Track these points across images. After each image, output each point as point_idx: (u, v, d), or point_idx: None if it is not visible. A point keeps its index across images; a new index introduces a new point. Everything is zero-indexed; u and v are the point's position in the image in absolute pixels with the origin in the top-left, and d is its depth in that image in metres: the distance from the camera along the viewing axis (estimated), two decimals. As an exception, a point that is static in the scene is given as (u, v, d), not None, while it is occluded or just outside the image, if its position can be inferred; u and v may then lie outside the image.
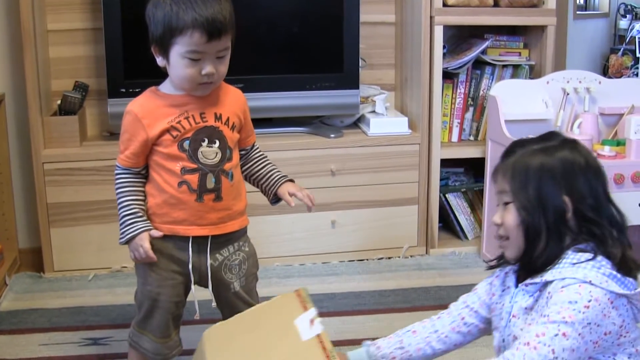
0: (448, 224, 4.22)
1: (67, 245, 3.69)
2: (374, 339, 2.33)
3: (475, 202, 4.24)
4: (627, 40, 4.52)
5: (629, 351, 1.86)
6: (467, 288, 3.60)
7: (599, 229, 1.88)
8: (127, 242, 2.39)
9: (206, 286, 2.52)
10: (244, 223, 2.59)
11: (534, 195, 1.89)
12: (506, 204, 1.95)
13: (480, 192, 4.11)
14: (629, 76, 4.30)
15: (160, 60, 2.38)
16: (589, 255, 1.85)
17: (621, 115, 3.83)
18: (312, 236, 3.88)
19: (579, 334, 1.77)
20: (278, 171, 2.68)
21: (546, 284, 1.87)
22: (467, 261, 3.94)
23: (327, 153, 3.84)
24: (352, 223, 3.91)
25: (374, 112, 4.06)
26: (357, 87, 3.91)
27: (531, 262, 1.92)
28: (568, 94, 3.83)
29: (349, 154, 3.87)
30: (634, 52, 4.43)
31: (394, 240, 3.99)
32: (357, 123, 4.13)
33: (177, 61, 2.32)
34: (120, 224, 2.40)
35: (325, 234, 3.90)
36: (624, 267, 1.85)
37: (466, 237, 4.16)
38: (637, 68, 4.33)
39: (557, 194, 1.88)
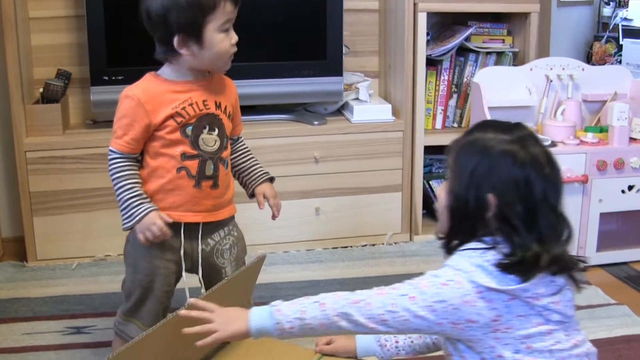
0: (432, 210, 4.22)
1: (50, 234, 3.68)
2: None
3: (459, 189, 4.24)
4: (611, 27, 4.52)
5: (515, 347, 1.83)
6: (451, 275, 3.62)
7: (518, 238, 1.81)
8: (136, 223, 2.36)
9: (197, 273, 2.52)
10: (233, 211, 2.61)
11: (464, 184, 1.86)
12: (447, 179, 1.96)
13: (464, 179, 4.10)
14: (612, 63, 4.30)
15: (185, 50, 2.34)
16: (479, 251, 1.82)
17: (604, 102, 3.85)
18: (296, 224, 3.88)
19: (429, 305, 1.78)
20: (260, 167, 2.69)
21: None
22: (451, 248, 3.94)
23: (311, 140, 3.83)
24: (335, 210, 3.91)
25: (357, 99, 4.06)
26: (341, 75, 3.91)
27: (448, 242, 1.93)
28: (551, 81, 3.84)
29: (332, 141, 3.86)
30: (617, 39, 4.43)
31: (377, 227, 3.99)
32: (341, 110, 4.13)
33: (213, 38, 2.32)
34: (124, 208, 2.37)
35: (309, 221, 3.89)
36: (519, 269, 1.79)
37: (450, 224, 4.16)
38: (621, 55, 4.33)
39: (483, 191, 1.83)
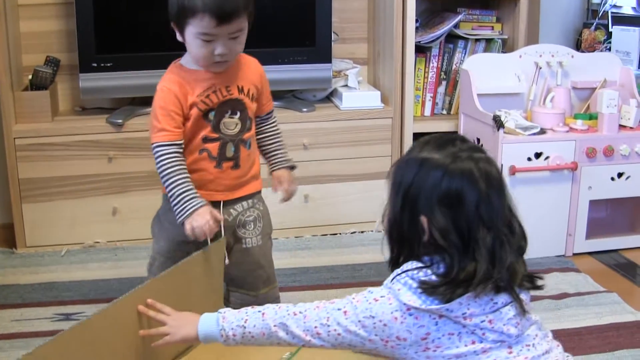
0: (421, 197, 4.23)
1: (39, 221, 3.67)
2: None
3: (448, 176, 4.24)
4: (600, 14, 4.52)
5: None
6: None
7: (452, 260, 1.77)
8: (187, 217, 2.39)
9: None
10: (258, 187, 2.71)
11: (398, 211, 1.84)
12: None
13: (453, 166, 4.10)
14: (601, 50, 4.30)
15: (178, 36, 2.43)
16: (414, 267, 1.81)
17: (593, 89, 3.85)
18: (285, 211, 3.85)
19: (359, 321, 1.81)
20: (283, 153, 2.77)
21: None
22: (440, 235, 3.95)
23: (300, 127, 3.83)
24: (324, 197, 3.91)
25: (346, 86, 4.05)
26: (330, 61, 3.90)
27: (391, 262, 1.93)
28: (541, 68, 3.84)
29: (321, 128, 3.86)
30: (606, 26, 4.44)
31: (366, 214, 3.98)
32: (330, 97, 4.13)
33: (191, 40, 2.38)
34: (178, 201, 2.40)
35: (298, 208, 3.89)
36: (442, 290, 1.75)
37: (439, 211, 4.16)
38: (610, 42, 4.34)
39: (415, 213, 1.81)
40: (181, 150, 2.45)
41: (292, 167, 2.77)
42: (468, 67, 3.81)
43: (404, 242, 1.87)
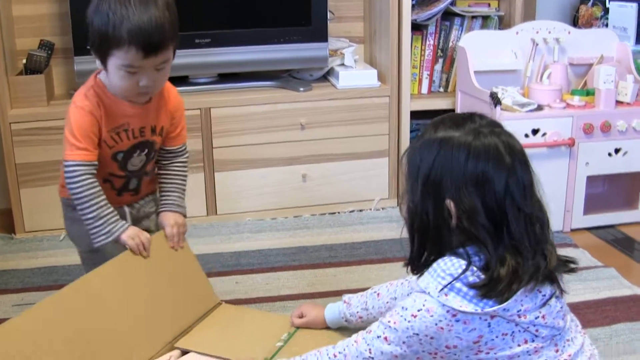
0: (419, 176, 4.23)
1: (37, 206, 3.66)
2: (347, 292, 2.36)
3: (445, 154, 4.24)
4: (597, -11, 4.51)
5: None
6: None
7: (487, 250, 1.71)
8: (119, 235, 2.34)
9: None
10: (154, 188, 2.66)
11: (418, 197, 1.76)
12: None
13: (451, 144, 4.10)
14: (598, 26, 4.29)
15: (98, 64, 2.30)
16: (457, 266, 1.72)
17: (590, 65, 3.85)
18: (283, 190, 3.88)
19: (403, 342, 1.75)
20: (178, 197, 2.60)
21: None
22: (439, 213, 3.95)
23: (297, 107, 3.82)
24: (322, 176, 3.91)
25: (343, 65, 4.04)
26: (326, 40, 3.89)
27: (412, 257, 1.85)
28: (537, 45, 3.84)
29: (318, 107, 3.86)
30: (603, 2, 4.42)
31: (365, 192, 3.99)
32: (326, 76, 4.12)
33: (113, 72, 2.26)
34: (103, 222, 2.32)
35: (296, 187, 3.89)
36: (495, 290, 1.68)
37: (437, 189, 4.17)
38: (607, 19, 4.32)
39: (441, 197, 1.72)
40: (96, 171, 2.34)
41: (182, 214, 2.60)
42: (464, 44, 3.80)
43: (429, 233, 1.77)
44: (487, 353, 1.74)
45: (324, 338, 2.30)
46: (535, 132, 3.48)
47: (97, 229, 2.32)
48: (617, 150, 3.61)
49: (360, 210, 3.98)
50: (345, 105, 3.88)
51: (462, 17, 4.11)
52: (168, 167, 2.59)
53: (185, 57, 3.63)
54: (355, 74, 3.96)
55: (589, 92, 3.67)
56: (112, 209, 2.35)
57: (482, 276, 1.69)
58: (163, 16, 2.22)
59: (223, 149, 3.73)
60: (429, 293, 1.71)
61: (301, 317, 2.37)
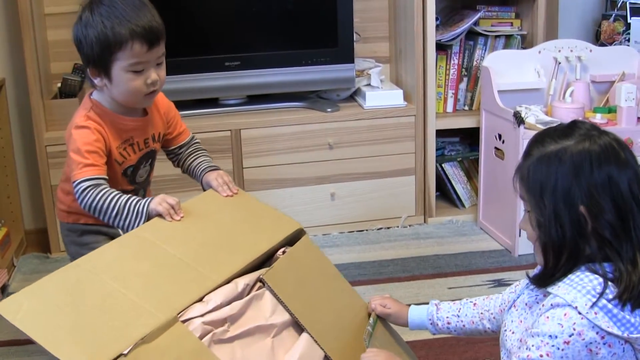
0: (445, 193, 4.29)
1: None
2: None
3: (471, 171, 4.30)
4: (619, 5, 4.54)
5: None
6: (465, 255, 3.70)
7: (613, 252, 1.70)
8: (147, 209, 2.23)
9: None
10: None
11: (549, 211, 1.74)
12: (528, 211, 1.83)
13: (476, 161, 4.17)
14: (620, 42, 4.33)
15: (99, 81, 2.31)
16: (595, 283, 1.69)
17: (612, 82, 3.88)
18: (312, 208, 3.94)
19: None
20: (209, 161, 2.60)
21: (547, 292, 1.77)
22: (465, 229, 4.02)
23: (324, 127, 3.89)
24: (351, 195, 3.97)
25: (369, 85, 4.10)
26: (352, 62, 3.97)
27: (546, 272, 1.80)
28: (560, 63, 3.88)
29: (345, 127, 3.93)
30: (625, 17, 4.46)
31: (392, 210, 4.05)
32: (353, 96, 4.18)
33: (120, 76, 2.26)
34: (127, 212, 2.23)
35: (324, 206, 3.96)
36: (632, 294, 1.66)
37: (463, 205, 4.23)
38: (629, 34, 4.36)
39: (574, 206, 1.71)
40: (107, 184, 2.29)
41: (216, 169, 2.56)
42: (488, 64, 3.86)
43: (565, 244, 1.74)
44: None
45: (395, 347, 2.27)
46: (558, 149, 3.52)
47: (128, 218, 2.23)
48: (640, 167, 3.64)
49: (388, 228, 4.04)
50: (372, 124, 3.95)
51: (486, 36, 4.17)
52: (187, 153, 2.61)
53: (215, 80, 3.73)
54: (381, 94, 4.03)
55: (610, 110, 3.71)
56: (127, 194, 2.27)
57: (617, 289, 1.68)
58: (151, 8, 2.29)
59: (253, 169, 3.81)
60: (576, 308, 1.67)
61: (384, 306, 2.29)
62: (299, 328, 2.03)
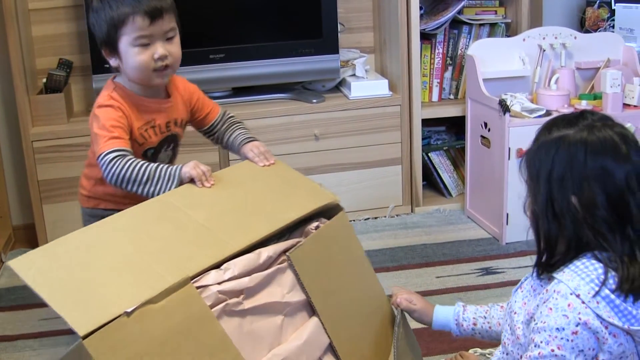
0: (432, 182, 4.30)
1: (60, 221, 3.74)
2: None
3: (457, 160, 4.31)
4: (603, -9, 4.55)
5: None
6: (452, 244, 3.72)
7: (606, 243, 1.71)
8: (179, 172, 2.22)
9: None
10: None
11: (542, 200, 1.77)
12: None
13: (462, 150, 4.18)
14: (605, 28, 4.34)
15: (113, 61, 2.40)
16: (600, 272, 1.70)
17: (597, 69, 3.90)
18: (300, 200, 3.94)
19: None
20: (245, 132, 2.61)
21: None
22: (452, 218, 4.03)
23: (310, 118, 3.90)
24: (337, 185, 3.96)
25: (354, 75, 4.11)
26: (337, 52, 3.97)
27: (547, 259, 1.81)
28: (544, 50, 3.90)
29: (331, 117, 3.94)
30: (609, 4, 4.47)
31: (379, 200, 4.06)
32: (339, 87, 4.19)
33: (128, 52, 2.33)
34: (158, 177, 2.22)
35: (312, 197, 3.96)
36: (631, 285, 1.68)
37: (450, 195, 4.24)
38: (613, 20, 4.37)
39: (566, 195, 1.73)
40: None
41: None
42: (473, 52, 3.87)
43: (555, 232, 1.77)
44: None
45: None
46: (544, 137, 3.54)
47: (160, 183, 2.23)
48: (625, 153, 3.65)
49: (375, 218, 4.05)
50: (357, 115, 3.95)
51: (470, 25, 4.18)
52: (224, 129, 2.63)
53: (200, 73, 3.72)
54: (366, 84, 4.04)
55: (596, 96, 3.72)
56: (156, 163, 2.28)
57: (617, 279, 1.69)
58: None
59: (239, 162, 3.81)
60: (579, 296, 1.68)
61: (410, 301, 2.26)
62: (312, 310, 2.03)
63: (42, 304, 3.24)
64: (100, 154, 2.27)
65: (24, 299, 3.33)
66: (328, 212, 2.27)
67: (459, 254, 3.61)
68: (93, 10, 2.39)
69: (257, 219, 2.10)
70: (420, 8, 3.98)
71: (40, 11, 3.90)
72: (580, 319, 1.66)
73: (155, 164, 2.26)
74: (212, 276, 1.84)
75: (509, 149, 3.53)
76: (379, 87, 4.03)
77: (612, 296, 1.66)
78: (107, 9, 2.32)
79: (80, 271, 1.77)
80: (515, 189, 3.53)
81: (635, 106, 3.67)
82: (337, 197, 2.29)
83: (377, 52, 4.36)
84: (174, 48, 2.40)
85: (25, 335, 3.05)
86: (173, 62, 2.39)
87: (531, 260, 1.88)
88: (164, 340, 1.70)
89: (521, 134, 3.52)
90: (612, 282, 1.68)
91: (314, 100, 3.95)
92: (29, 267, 1.75)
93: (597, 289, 1.67)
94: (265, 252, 1.98)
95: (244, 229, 2.04)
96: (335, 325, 2.04)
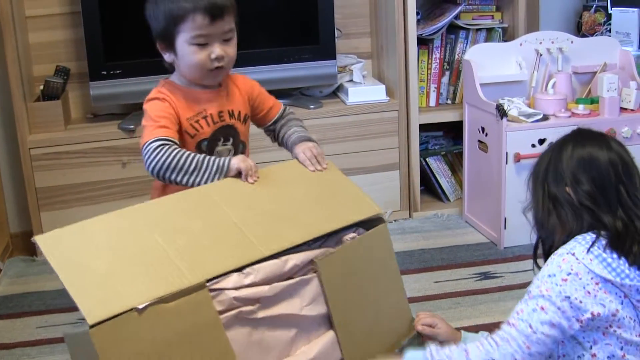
0: (429, 187, 4.30)
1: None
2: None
3: (455, 164, 4.31)
4: (599, -4, 4.56)
5: (611, 350, 1.84)
6: (450, 249, 3.71)
7: (595, 219, 1.89)
8: (229, 165, 2.22)
9: None
10: None
11: (541, 196, 1.97)
12: None
13: (460, 154, 4.17)
14: (601, 33, 4.34)
15: (167, 56, 2.37)
16: (592, 237, 1.86)
17: (594, 73, 3.90)
18: (298, 206, 3.94)
19: (558, 308, 1.79)
20: (300, 131, 2.59)
21: None
22: (450, 223, 4.03)
23: (308, 124, 3.81)
24: (335, 191, 3.97)
25: (351, 81, 4.12)
26: (334, 58, 3.97)
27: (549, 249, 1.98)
28: (541, 55, 3.90)
29: (329, 123, 3.94)
30: (606, 8, 4.48)
31: (377, 205, 4.05)
32: (336, 92, 4.19)
33: (184, 50, 2.30)
34: (205, 166, 2.20)
35: (310, 203, 3.95)
36: (622, 241, 1.84)
37: (448, 199, 4.24)
38: (610, 24, 4.38)
39: (562, 188, 1.93)
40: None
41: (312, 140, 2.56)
42: (470, 57, 3.87)
43: (554, 224, 1.95)
44: (615, 331, 1.82)
45: None
46: (541, 142, 3.54)
47: (207, 172, 2.20)
48: (622, 157, 3.66)
49: (373, 223, 4.04)
50: (355, 120, 3.95)
51: (467, 30, 4.18)
52: (281, 126, 2.61)
53: (197, 79, 3.72)
54: (364, 90, 4.04)
55: (593, 100, 3.72)
56: (203, 154, 2.27)
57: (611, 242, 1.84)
58: None
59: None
60: (574, 254, 1.83)
61: (432, 326, 2.28)
62: (330, 324, 2.02)
63: (39, 312, 3.26)
64: (145, 143, 2.24)
65: (21, 306, 3.32)
66: (369, 222, 2.26)
67: (457, 258, 3.60)
68: (152, 1, 2.34)
69: (292, 226, 2.08)
70: (417, 13, 3.98)
71: (37, 18, 3.90)
72: (572, 269, 1.81)
73: (203, 155, 2.24)
74: (233, 279, 1.84)
75: (507, 153, 3.53)
76: (376, 93, 4.03)
77: (605, 255, 1.82)
78: (167, 1, 2.28)
79: (103, 257, 1.78)
80: (513, 194, 3.53)
81: (632, 110, 3.67)
82: (381, 210, 2.30)
83: (374, 58, 4.36)
84: (231, 49, 2.37)
85: (23, 343, 3.04)
86: (228, 62, 2.38)
87: (530, 265, 2.07)
88: (169, 342, 1.71)
89: (518, 139, 3.52)
90: (605, 243, 1.84)
91: (312, 106, 3.95)
92: (55, 245, 1.77)
93: (588, 246, 1.83)
94: (292, 260, 1.97)
95: (276, 234, 2.02)
96: (351, 342, 2.04)
